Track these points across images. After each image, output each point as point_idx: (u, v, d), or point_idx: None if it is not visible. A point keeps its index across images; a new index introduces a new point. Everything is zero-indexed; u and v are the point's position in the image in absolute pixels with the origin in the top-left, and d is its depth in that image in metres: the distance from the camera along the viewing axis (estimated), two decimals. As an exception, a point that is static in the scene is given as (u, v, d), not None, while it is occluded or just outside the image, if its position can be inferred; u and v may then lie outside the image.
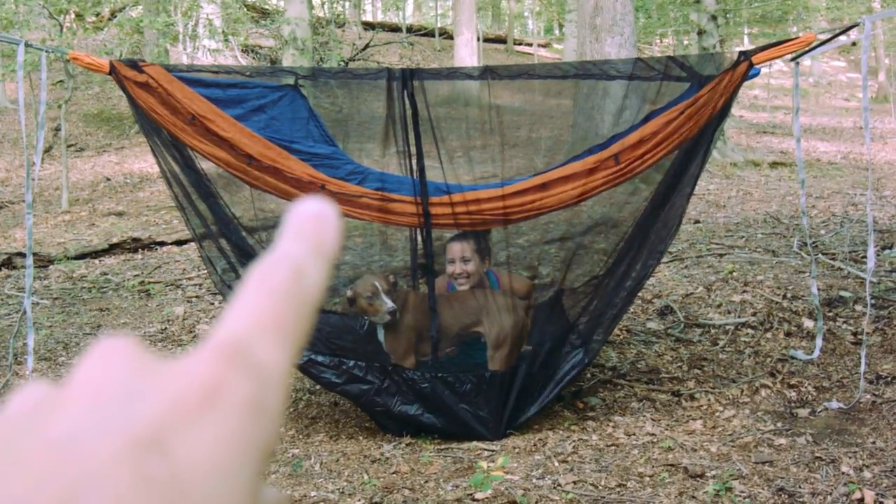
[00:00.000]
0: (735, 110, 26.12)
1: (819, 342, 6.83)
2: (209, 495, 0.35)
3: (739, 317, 7.77)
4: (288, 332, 0.42)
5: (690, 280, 9.03)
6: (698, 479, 4.85)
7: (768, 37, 29.57)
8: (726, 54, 5.78)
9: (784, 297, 8.12)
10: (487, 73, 5.89)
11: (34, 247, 8.43)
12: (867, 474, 4.85)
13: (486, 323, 5.96)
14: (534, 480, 4.90)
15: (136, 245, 12.41)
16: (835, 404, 5.93)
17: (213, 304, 9.08)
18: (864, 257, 6.62)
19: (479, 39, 29.31)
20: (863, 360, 6.04)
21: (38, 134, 6.33)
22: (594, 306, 6.04)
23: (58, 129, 18.62)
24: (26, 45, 6.16)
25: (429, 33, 37.52)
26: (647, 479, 4.89)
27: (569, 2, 28.24)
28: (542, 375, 5.88)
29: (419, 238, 6.27)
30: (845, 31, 6.39)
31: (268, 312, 0.42)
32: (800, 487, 4.70)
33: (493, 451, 5.50)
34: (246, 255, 6.13)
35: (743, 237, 11.06)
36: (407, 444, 5.69)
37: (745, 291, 8.40)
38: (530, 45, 41.39)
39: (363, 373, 5.89)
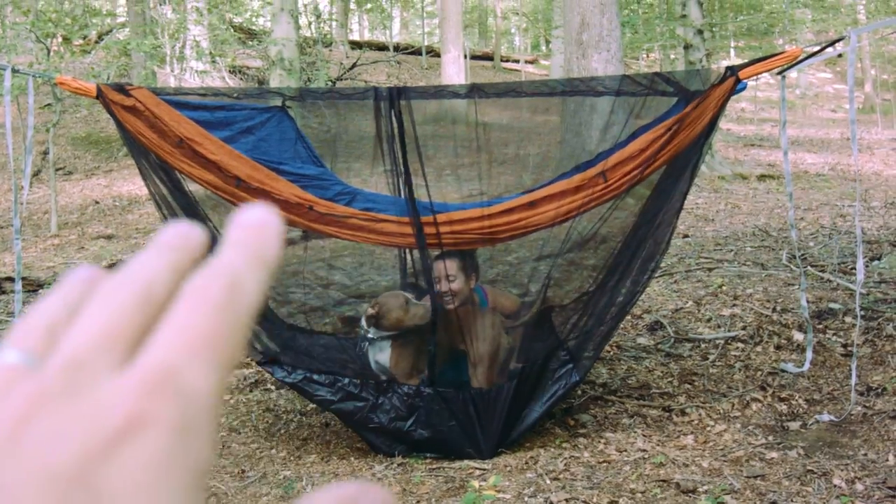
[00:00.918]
0: (722, 123, 26.19)
1: (809, 355, 6.84)
2: None
3: (729, 331, 7.77)
4: (220, 351, 0.41)
5: (680, 295, 9.03)
6: (690, 494, 4.85)
7: (754, 50, 29.72)
8: (713, 69, 5.80)
9: (774, 310, 8.13)
10: (474, 91, 5.90)
11: (23, 271, 8.41)
12: (859, 487, 4.85)
13: (467, 340, 5.98)
14: (526, 499, 4.90)
15: (125, 268, 12.36)
16: (826, 417, 5.94)
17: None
18: (854, 269, 6.64)
19: (466, 57, 29.34)
20: (853, 372, 6.05)
21: (27, 158, 6.33)
22: (584, 323, 6.04)
23: (46, 153, 18.60)
24: (13, 70, 6.17)
25: (416, 51, 37.62)
26: (640, 495, 4.89)
27: (555, 18, 28.30)
28: (533, 393, 5.88)
29: (409, 257, 6.28)
30: (831, 44, 6.41)
31: (200, 331, 0.41)
32: (792, 501, 4.70)
33: (484, 469, 5.49)
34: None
35: (732, 251, 11.07)
36: (398, 465, 5.67)
37: (734, 305, 8.40)
38: (517, 61, 41.47)
39: (358, 390, 5.90)
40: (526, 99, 6.35)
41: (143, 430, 0.37)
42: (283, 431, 6.45)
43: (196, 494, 0.38)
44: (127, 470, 0.36)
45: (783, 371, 6.82)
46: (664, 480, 5.04)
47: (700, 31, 18.33)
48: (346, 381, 5.92)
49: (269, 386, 7.13)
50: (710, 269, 10.03)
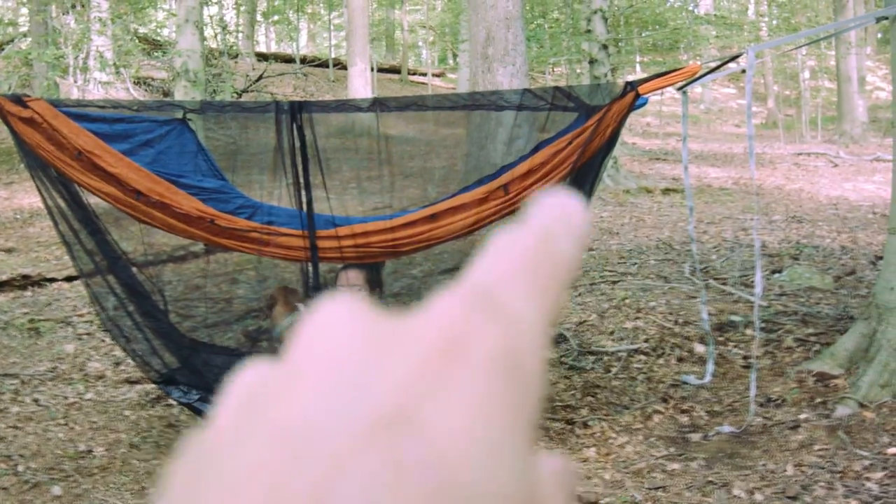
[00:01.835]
0: (628, 137, 26.50)
1: (710, 367, 6.92)
2: (476, 469, 0.30)
3: (632, 343, 7.83)
4: (541, 285, 0.37)
5: (584, 308, 9.08)
6: (592, 506, 4.87)
7: (659, 65, 30.03)
8: (618, 83, 5.84)
9: (676, 322, 8.21)
10: (377, 104, 5.89)
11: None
12: (759, 497, 4.91)
13: None
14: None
15: (25, 282, 12.13)
16: (727, 428, 6.00)
17: (104, 341, 8.91)
18: (754, 281, 6.77)
19: (373, 70, 29.33)
20: (752, 384, 6.12)
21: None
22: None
23: (-57, 165, 18.24)
24: None
25: (323, 64, 37.47)
26: (542, 508, 4.89)
27: (462, 32, 28.41)
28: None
29: (311, 271, 6.25)
30: (730, 60, 6.51)
31: (517, 266, 0.38)
32: (692, 512, 4.74)
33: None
34: (135, 292, 6.04)
35: (636, 264, 11.16)
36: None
37: (637, 318, 8.47)
38: (425, 74, 41.49)
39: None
40: (431, 112, 6.36)
41: (467, 355, 0.33)
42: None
43: (531, 444, 0.34)
44: (455, 407, 0.32)
45: (685, 383, 6.89)
46: (566, 493, 5.04)
47: (605, 47, 18.50)
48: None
49: (170, 401, 7.03)
50: (614, 283, 10.10)
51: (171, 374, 5.94)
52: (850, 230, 13.62)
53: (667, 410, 6.42)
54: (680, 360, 7.43)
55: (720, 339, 7.69)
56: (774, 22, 38.48)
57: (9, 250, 14.94)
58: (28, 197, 18.86)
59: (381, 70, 38.11)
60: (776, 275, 9.87)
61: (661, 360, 7.42)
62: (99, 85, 23.34)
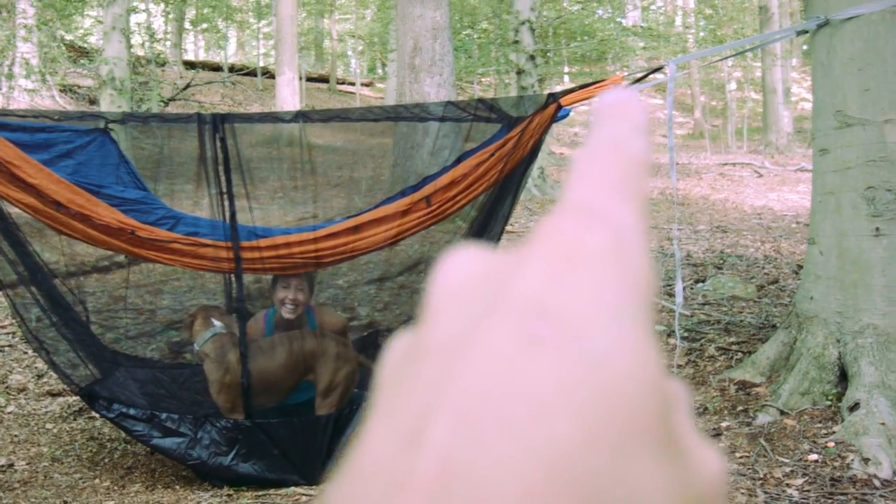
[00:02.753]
0: (555, 148, 26.67)
1: (633, 375, 6.97)
2: (607, 341, 0.34)
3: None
4: (630, 191, 0.40)
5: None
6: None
7: (587, 76, 30.28)
8: (545, 94, 5.89)
9: (599, 331, 8.25)
10: (300, 116, 5.89)
11: None
12: None
13: (318, 370, 5.89)
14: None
15: (-55, 293, 11.97)
16: (647, 436, 6.05)
17: (26, 353, 8.79)
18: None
19: (301, 79, 29.26)
20: (674, 393, 6.19)
21: None
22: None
23: None
24: None
25: (251, 73, 37.26)
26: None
27: (391, 42, 28.44)
28: (355, 416, 5.85)
29: (234, 282, 6.22)
30: (653, 72, 6.58)
31: (604, 181, 0.40)
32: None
33: (311, 495, 5.45)
34: (57, 303, 5.99)
35: (562, 273, 11.20)
36: (226, 494, 5.60)
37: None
38: (353, 84, 41.43)
39: (176, 425, 5.76)
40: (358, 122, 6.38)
41: (583, 256, 0.36)
42: (107, 460, 6.30)
43: (647, 315, 0.37)
44: (577, 293, 0.34)
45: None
46: None
47: (532, 57, 18.61)
48: (164, 416, 5.78)
49: (93, 414, 6.96)
50: (539, 292, 10.13)
51: (91, 388, 5.88)
52: (773, 240, 13.83)
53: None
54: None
55: (643, 347, 7.74)
56: (701, 34, 38.87)
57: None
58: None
59: (309, 79, 38.03)
60: (700, 284, 9.99)
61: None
62: (24, 92, 23.07)
